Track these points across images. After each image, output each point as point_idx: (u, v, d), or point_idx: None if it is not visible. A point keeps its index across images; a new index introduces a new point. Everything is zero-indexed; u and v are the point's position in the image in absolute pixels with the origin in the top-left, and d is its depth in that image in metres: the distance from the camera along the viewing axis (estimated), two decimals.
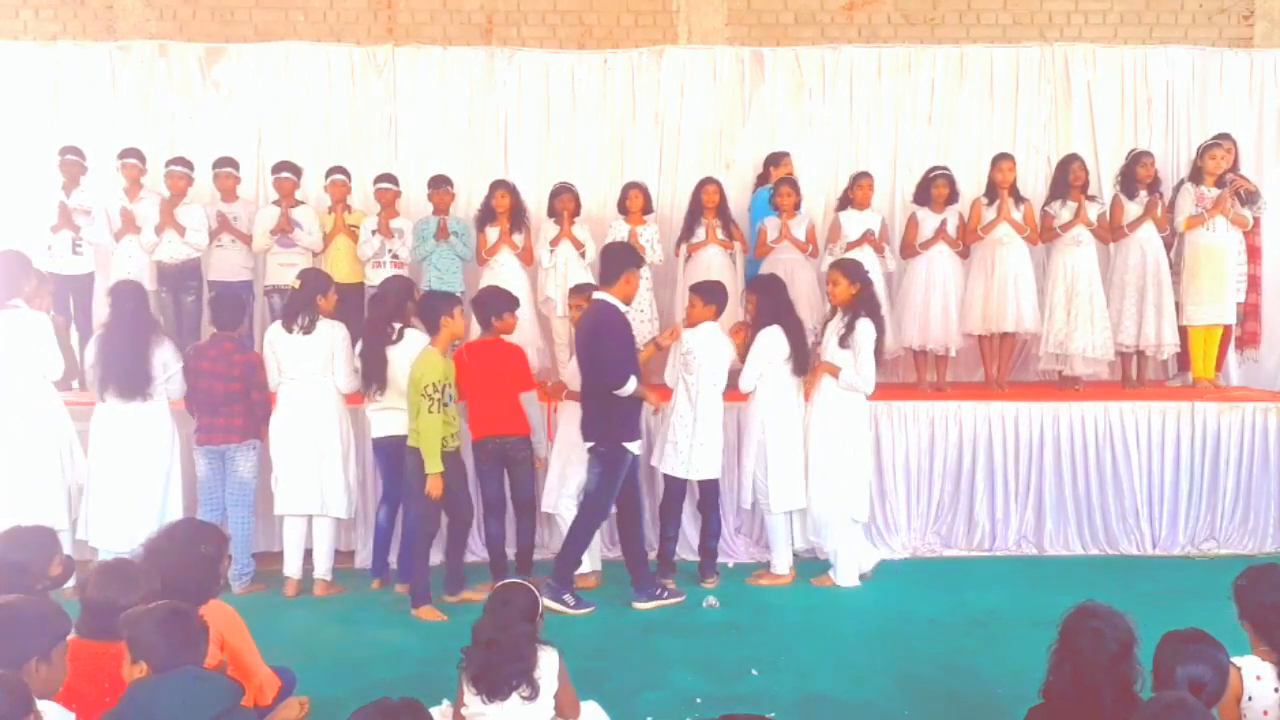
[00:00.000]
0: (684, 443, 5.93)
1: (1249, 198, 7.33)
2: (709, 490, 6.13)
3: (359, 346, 5.95)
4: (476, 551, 6.49)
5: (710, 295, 6.03)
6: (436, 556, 6.51)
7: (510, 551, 6.15)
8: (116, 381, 5.71)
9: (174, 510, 5.82)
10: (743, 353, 6.10)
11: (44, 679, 2.78)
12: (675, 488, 6.09)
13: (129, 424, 5.79)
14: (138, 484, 5.80)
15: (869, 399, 6.14)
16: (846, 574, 6.07)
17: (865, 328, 5.89)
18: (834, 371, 5.96)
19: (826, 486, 6.03)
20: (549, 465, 6.15)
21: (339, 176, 7.50)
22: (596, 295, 5.72)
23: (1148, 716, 2.65)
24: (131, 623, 2.86)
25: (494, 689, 3.29)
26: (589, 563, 6.03)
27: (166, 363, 5.83)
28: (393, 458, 6.01)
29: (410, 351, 5.79)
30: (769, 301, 6.07)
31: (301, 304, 5.95)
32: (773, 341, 5.97)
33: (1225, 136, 7.51)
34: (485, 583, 5.59)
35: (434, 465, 5.43)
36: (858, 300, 5.97)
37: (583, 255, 7.38)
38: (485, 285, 6.71)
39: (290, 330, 5.90)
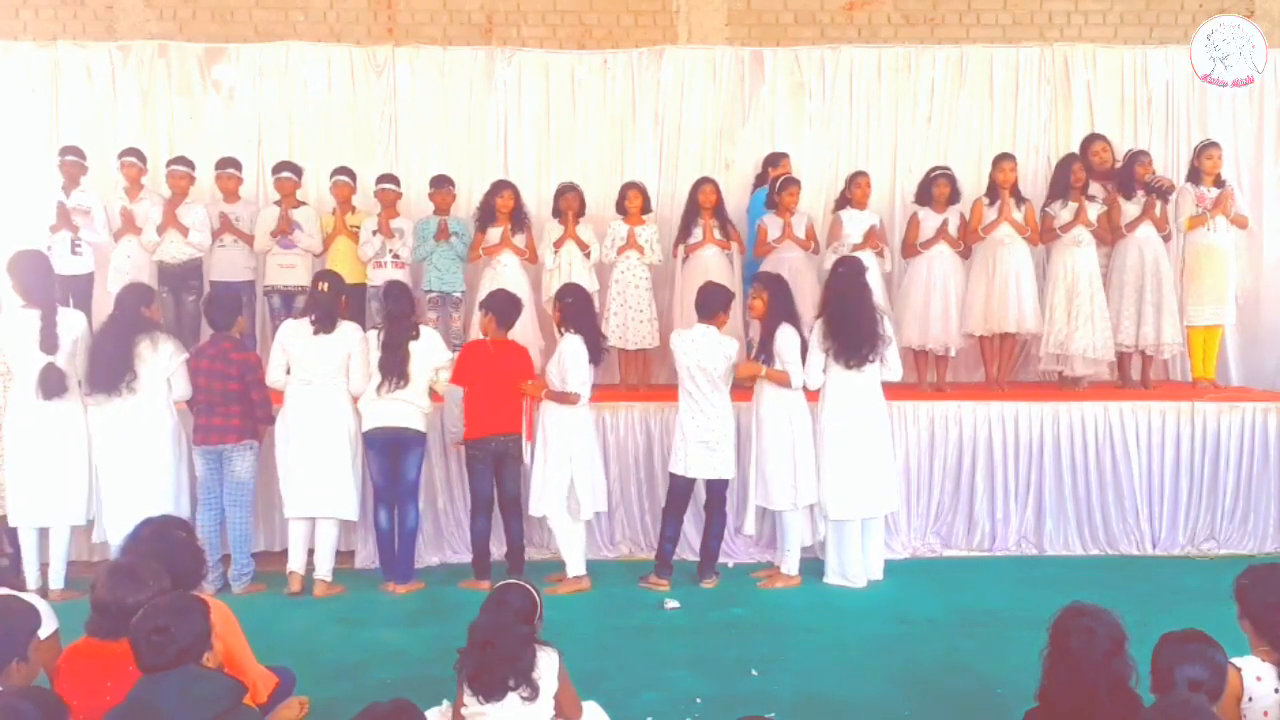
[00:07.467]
0: (679, 441, 6.06)
1: (1161, 191, 7.22)
2: (715, 490, 6.14)
3: (380, 339, 5.96)
4: (460, 551, 6.49)
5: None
6: (434, 558, 6.57)
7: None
8: (93, 374, 5.72)
9: (180, 508, 5.78)
10: (763, 348, 6.07)
11: (23, 676, 2.98)
12: (678, 487, 6.11)
13: (125, 421, 5.78)
14: (142, 481, 5.79)
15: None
16: (840, 571, 6.13)
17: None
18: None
19: (833, 483, 6.06)
20: (532, 467, 6.06)
21: (343, 178, 7.47)
22: None
23: (1152, 717, 2.66)
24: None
25: (490, 690, 3.27)
26: (579, 567, 6.01)
27: (166, 357, 5.80)
28: (389, 452, 5.99)
29: (428, 348, 6.00)
30: (780, 300, 6.07)
31: (328, 305, 5.96)
32: (793, 336, 6.00)
33: (1211, 141, 7.50)
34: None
35: None
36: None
37: (587, 256, 7.35)
38: (495, 288, 6.62)
39: (316, 331, 5.91)
